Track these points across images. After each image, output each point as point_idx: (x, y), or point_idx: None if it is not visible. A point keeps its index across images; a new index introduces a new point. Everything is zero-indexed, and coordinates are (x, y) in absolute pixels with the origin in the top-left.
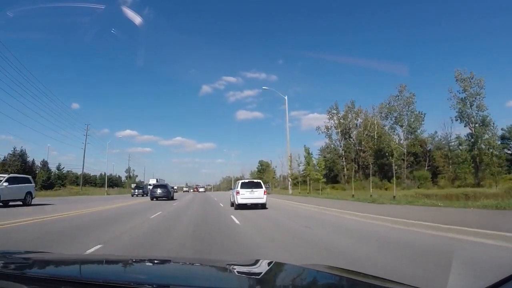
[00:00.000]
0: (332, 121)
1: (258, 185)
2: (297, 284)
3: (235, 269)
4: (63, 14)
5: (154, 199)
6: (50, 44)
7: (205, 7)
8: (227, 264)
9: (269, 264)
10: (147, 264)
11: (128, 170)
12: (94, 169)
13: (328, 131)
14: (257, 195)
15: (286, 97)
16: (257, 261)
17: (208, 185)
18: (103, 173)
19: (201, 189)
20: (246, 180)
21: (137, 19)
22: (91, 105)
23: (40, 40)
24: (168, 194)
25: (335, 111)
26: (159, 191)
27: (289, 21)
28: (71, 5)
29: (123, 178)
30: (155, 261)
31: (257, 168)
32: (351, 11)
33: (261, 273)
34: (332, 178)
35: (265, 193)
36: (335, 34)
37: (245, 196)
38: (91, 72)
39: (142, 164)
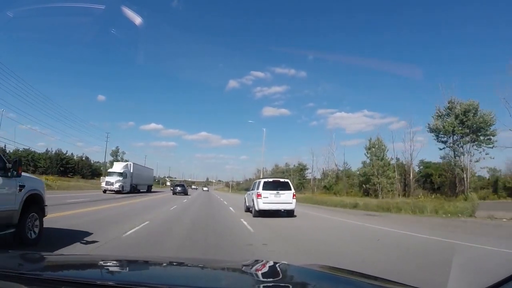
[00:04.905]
0: None
1: (285, 186)
2: (296, 284)
3: (234, 269)
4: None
5: (175, 194)
6: (69, 37)
7: (236, 3)
8: (227, 265)
9: (268, 264)
10: (147, 264)
11: (115, 153)
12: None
13: None
14: (284, 199)
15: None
16: (256, 261)
17: (232, 181)
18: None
19: (205, 188)
20: (270, 179)
21: (167, 14)
22: (117, 97)
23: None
24: (185, 190)
25: None
26: (178, 188)
27: (321, 18)
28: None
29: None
30: (156, 262)
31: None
32: (384, 12)
33: (260, 273)
34: None
35: (294, 196)
36: (367, 34)
37: (269, 199)
38: (120, 66)
39: (167, 158)
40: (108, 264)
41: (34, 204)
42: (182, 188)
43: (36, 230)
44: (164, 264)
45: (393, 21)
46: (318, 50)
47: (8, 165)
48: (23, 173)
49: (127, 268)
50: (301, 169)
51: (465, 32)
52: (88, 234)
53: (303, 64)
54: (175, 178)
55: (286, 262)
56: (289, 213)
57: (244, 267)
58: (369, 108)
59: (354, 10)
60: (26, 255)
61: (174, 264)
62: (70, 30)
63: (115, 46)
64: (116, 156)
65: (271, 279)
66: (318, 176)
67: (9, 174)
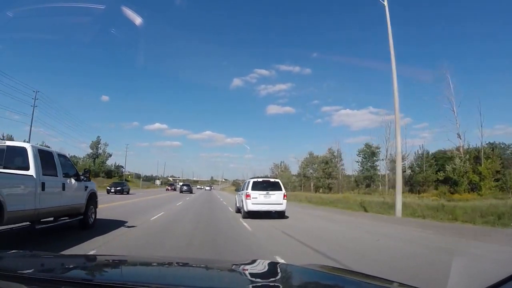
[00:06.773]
0: None
1: (276, 186)
2: (295, 284)
3: (233, 269)
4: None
5: (182, 192)
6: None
7: (239, 1)
8: (225, 264)
9: (267, 263)
10: (146, 264)
11: (95, 145)
12: None
13: None
14: (275, 200)
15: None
16: (254, 261)
17: (237, 180)
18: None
19: (207, 188)
20: (260, 179)
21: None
22: (121, 97)
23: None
24: (190, 189)
25: None
26: (185, 188)
27: (325, 15)
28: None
29: (86, 159)
30: (156, 262)
31: None
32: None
33: (260, 272)
34: None
35: (285, 196)
36: (372, 31)
37: (258, 200)
38: (123, 66)
39: (171, 158)
40: (107, 264)
41: (92, 199)
42: (187, 187)
43: (93, 217)
44: (163, 264)
45: (398, 19)
46: (323, 47)
47: (80, 172)
48: None
49: (125, 268)
50: (373, 152)
51: (469, 28)
52: None
53: (307, 61)
54: (178, 177)
55: (285, 262)
56: (280, 214)
57: (242, 267)
58: (375, 104)
59: (358, 8)
60: (26, 255)
61: (173, 264)
62: (70, 30)
63: (117, 46)
64: (96, 148)
65: (269, 279)
66: (383, 170)
67: (80, 179)
